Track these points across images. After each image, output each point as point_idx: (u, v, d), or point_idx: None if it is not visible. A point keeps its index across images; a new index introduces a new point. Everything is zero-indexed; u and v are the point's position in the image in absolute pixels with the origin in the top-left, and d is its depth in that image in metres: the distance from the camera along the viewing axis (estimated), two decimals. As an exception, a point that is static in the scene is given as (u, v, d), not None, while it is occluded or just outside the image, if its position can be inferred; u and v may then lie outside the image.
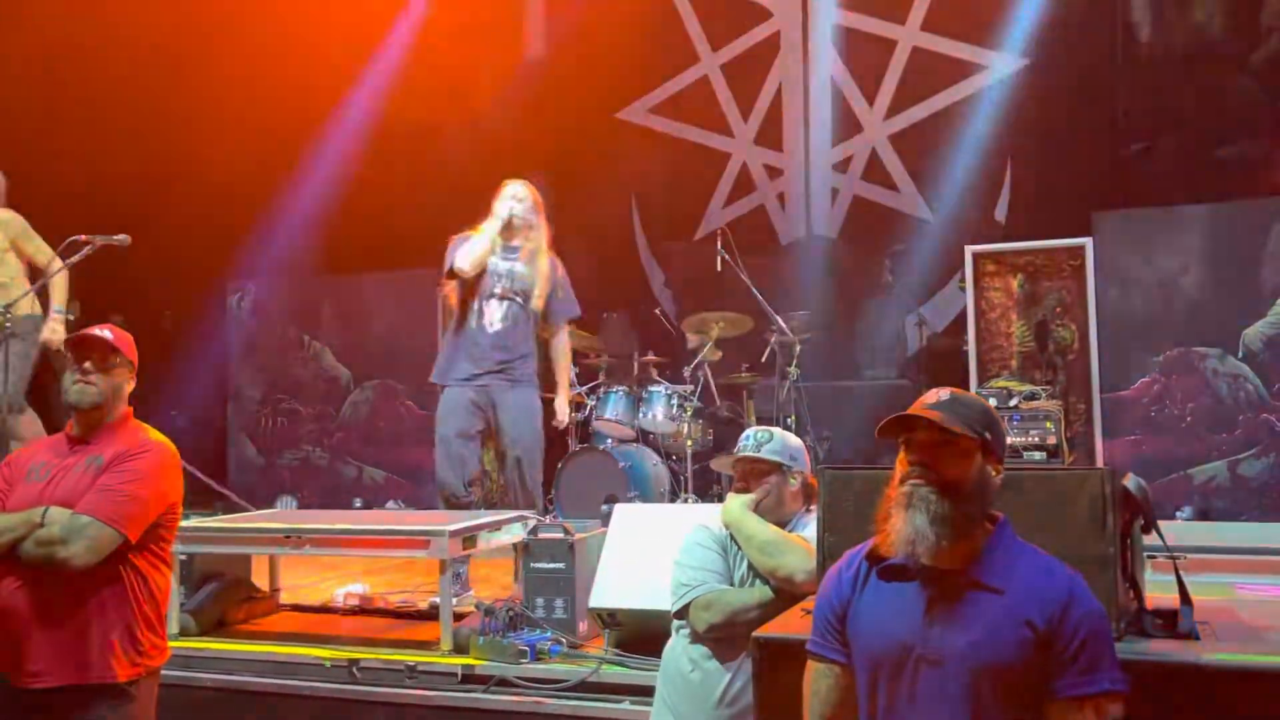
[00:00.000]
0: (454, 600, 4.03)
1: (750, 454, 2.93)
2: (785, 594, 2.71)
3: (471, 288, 5.12)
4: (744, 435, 3.03)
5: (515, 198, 5.16)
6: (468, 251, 5.08)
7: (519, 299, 5.13)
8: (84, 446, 2.79)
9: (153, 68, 9.32)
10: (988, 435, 1.96)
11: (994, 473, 1.97)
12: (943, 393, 2.02)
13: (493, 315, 5.10)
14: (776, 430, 3.02)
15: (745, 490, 2.93)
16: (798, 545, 2.75)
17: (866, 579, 2.00)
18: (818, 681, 2.03)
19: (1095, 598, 1.88)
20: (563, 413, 5.34)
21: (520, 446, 5.09)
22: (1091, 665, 1.81)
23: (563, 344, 5.37)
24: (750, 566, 2.85)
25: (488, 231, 5.09)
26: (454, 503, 5.06)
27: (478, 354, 5.10)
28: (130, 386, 2.90)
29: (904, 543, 1.89)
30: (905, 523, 1.89)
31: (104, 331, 2.86)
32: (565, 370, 5.38)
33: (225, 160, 9.60)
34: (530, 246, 5.17)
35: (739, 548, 2.88)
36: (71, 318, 5.20)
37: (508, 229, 5.12)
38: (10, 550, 2.61)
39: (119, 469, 2.71)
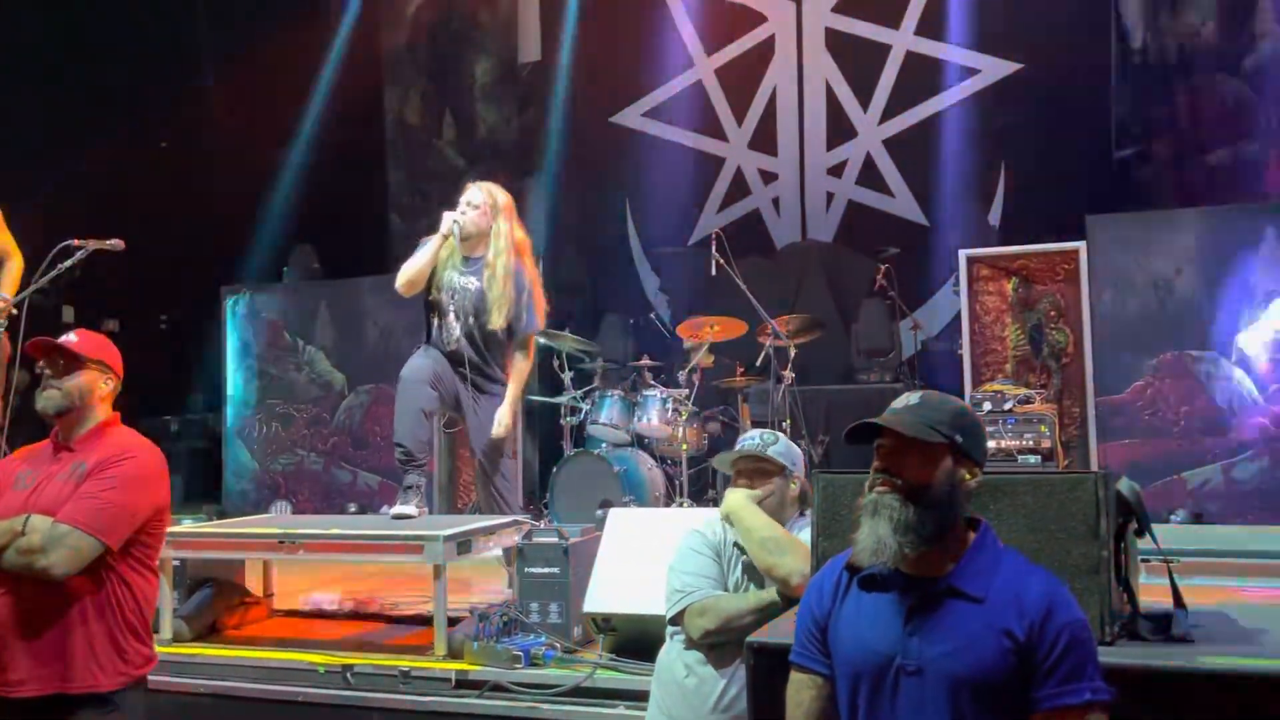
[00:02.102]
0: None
1: (757, 453, 2.92)
2: (780, 599, 2.71)
3: (432, 302, 4.85)
4: (748, 435, 3.02)
5: (468, 203, 4.76)
6: (403, 274, 4.75)
7: (474, 318, 4.76)
8: (69, 453, 2.76)
9: (152, 69, 9.31)
10: (958, 438, 1.92)
11: (967, 476, 1.93)
12: (913, 396, 2.00)
13: (450, 333, 4.78)
14: (780, 434, 3.02)
15: (748, 488, 2.92)
16: (798, 546, 2.73)
17: (847, 588, 1.98)
18: (800, 692, 2.01)
19: (1077, 605, 1.86)
20: (500, 423, 4.78)
21: (485, 452, 4.85)
22: (1073, 675, 1.78)
23: (519, 363, 4.88)
24: (745, 571, 2.84)
25: (429, 246, 4.72)
26: (407, 461, 4.74)
27: (438, 366, 4.82)
28: (108, 389, 2.84)
29: (868, 552, 1.88)
30: (869, 532, 1.88)
31: (68, 335, 2.82)
32: (516, 387, 4.87)
33: (221, 164, 9.61)
34: (490, 259, 4.74)
35: (735, 550, 2.87)
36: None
37: (461, 241, 4.73)
38: None
39: (101, 476, 2.67)
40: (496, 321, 4.72)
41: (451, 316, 4.78)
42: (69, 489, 2.66)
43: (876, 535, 1.87)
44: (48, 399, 2.76)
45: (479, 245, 4.78)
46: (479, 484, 5.01)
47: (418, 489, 4.73)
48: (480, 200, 4.77)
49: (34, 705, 2.60)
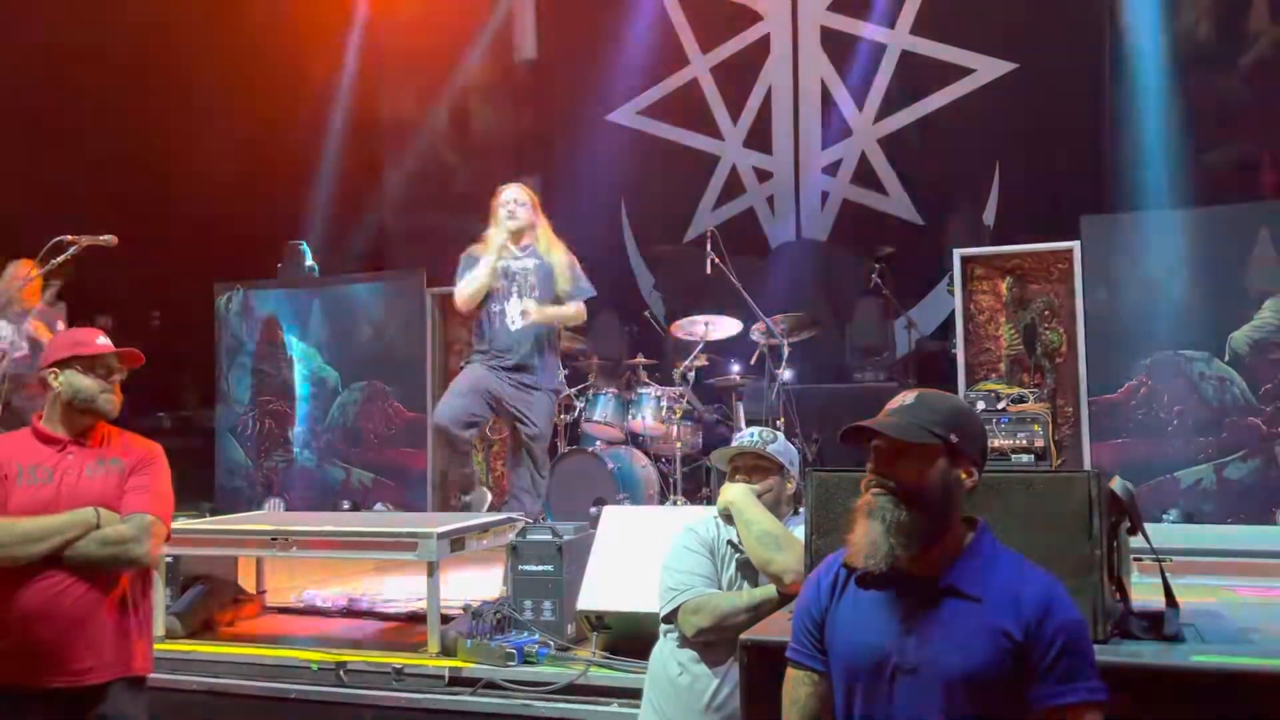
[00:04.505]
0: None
1: (756, 449, 2.92)
2: (774, 597, 2.71)
3: (489, 295, 5.25)
4: (747, 432, 3.03)
5: (516, 202, 5.29)
6: (465, 290, 5.23)
7: (538, 290, 5.24)
8: (79, 448, 2.82)
9: (143, 66, 9.28)
10: (953, 438, 1.91)
11: (963, 476, 1.92)
12: (908, 396, 1.99)
13: (513, 314, 5.21)
14: (778, 433, 3.03)
15: (746, 483, 2.92)
16: (795, 543, 2.72)
17: (845, 586, 1.97)
18: (796, 689, 2.01)
19: (1074, 605, 1.86)
20: (524, 311, 5.20)
21: (536, 438, 5.19)
22: (1069, 675, 1.79)
23: (571, 306, 5.37)
24: (739, 569, 2.84)
25: (486, 261, 5.20)
26: (450, 437, 5.13)
27: (500, 350, 5.21)
28: None
29: (861, 554, 1.88)
30: (863, 532, 1.88)
31: (107, 339, 2.93)
32: (557, 310, 5.30)
33: (215, 161, 9.58)
34: (540, 244, 5.32)
35: (729, 548, 2.87)
36: None
37: (514, 235, 5.27)
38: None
39: (147, 471, 2.83)
40: (564, 285, 5.28)
41: (515, 297, 5.23)
42: (113, 482, 2.78)
43: (870, 537, 1.87)
44: (113, 403, 2.88)
45: (527, 235, 5.33)
46: (519, 476, 5.25)
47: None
48: (526, 199, 5.34)
49: (97, 691, 2.70)
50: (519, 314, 5.19)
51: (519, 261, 5.28)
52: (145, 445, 2.91)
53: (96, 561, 2.67)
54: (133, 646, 2.76)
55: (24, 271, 6.29)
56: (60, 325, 6.42)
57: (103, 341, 2.89)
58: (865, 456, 1.98)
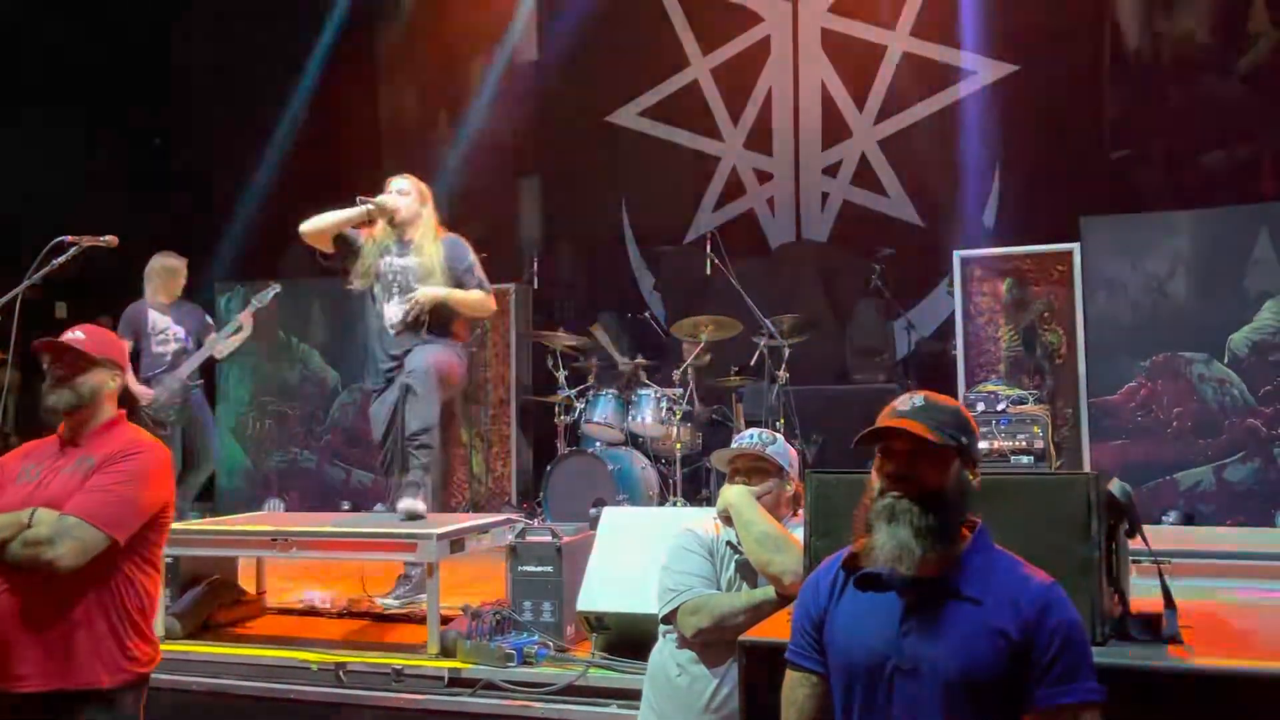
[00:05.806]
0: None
1: (755, 451, 2.93)
2: (773, 598, 2.71)
3: (373, 293, 5.02)
4: (747, 433, 3.03)
5: (398, 191, 5.01)
6: (313, 219, 4.95)
7: (414, 291, 4.92)
8: (75, 449, 2.76)
9: (146, 63, 9.30)
10: (964, 440, 1.93)
11: (971, 477, 1.94)
12: (915, 397, 1.98)
13: (392, 316, 4.94)
14: (778, 435, 3.03)
15: (746, 485, 2.93)
16: (794, 545, 2.72)
17: (844, 587, 1.97)
18: (795, 690, 2.01)
19: (1072, 606, 1.86)
20: (412, 300, 4.85)
21: (414, 378, 4.78)
22: (1067, 675, 1.79)
23: (474, 294, 4.98)
24: (738, 570, 2.85)
25: (343, 213, 4.95)
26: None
27: (385, 356, 4.97)
28: (115, 386, 2.85)
29: (889, 558, 1.86)
30: (889, 537, 1.86)
31: (76, 333, 2.82)
32: (451, 292, 4.91)
33: (215, 160, 9.60)
34: (417, 237, 4.97)
35: (728, 549, 2.87)
36: None
37: (395, 224, 4.97)
38: None
39: (110, 470, 2.67)
40: (441, 283, 4.91)
41: (395, 300, 4.95)
42: (75, 482, 2.66)
43: (898, 540, 1.85)
44: (59, 398, 2.76)
45: (411, 229, 5.00)
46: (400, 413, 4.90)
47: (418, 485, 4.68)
48: (409, 187, 5.04)
49: (36, 701, 2.58)
50: (398, 317, 4.87)
51: (401, 259, 4.95)
52: (127, 441, 2.76)
53: (21, 563, 2.55)
54: (81, 658, 2.59)
55: (173, 264, 6.39)
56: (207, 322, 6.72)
57: (64, 338, 2.78)
58: (869, 459, 1.98)
